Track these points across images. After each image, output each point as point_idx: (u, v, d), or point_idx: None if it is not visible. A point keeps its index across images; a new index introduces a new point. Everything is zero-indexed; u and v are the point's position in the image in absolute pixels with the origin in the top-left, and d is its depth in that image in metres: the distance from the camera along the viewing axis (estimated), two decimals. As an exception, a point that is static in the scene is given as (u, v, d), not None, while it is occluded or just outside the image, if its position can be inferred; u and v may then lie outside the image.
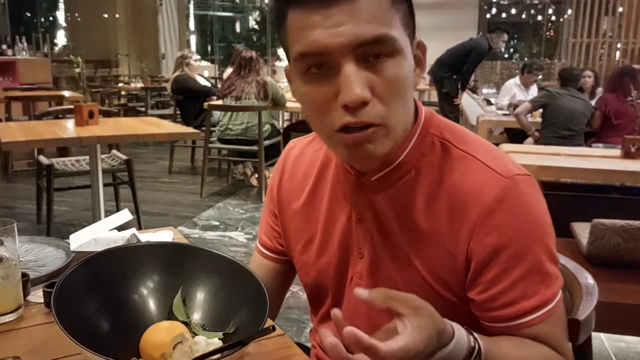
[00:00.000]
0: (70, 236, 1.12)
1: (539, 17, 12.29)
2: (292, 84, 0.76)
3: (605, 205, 2.18)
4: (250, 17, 15.60)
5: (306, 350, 0.98)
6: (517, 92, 5.59)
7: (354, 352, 0.60)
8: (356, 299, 0.65)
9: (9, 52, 7.59)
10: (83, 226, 1.17)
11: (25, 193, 4.46)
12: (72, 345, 0.64)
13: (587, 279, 0.91)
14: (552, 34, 11.82)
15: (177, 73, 5.35)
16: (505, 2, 12.21)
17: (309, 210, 0.87)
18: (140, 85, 7.97)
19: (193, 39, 12.81)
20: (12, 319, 0.85)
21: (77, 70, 3.05)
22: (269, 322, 0.74)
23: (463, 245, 0.73)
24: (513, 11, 12.55)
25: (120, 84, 8.83)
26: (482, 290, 0.73)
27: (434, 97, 6.73)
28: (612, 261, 1.73)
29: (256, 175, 4.73)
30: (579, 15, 8.59)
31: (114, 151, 3.60)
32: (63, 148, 4.42)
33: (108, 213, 1.66)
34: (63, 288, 0.72)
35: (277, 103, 4.53)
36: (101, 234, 1.11)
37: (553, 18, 11.82)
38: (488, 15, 10.36)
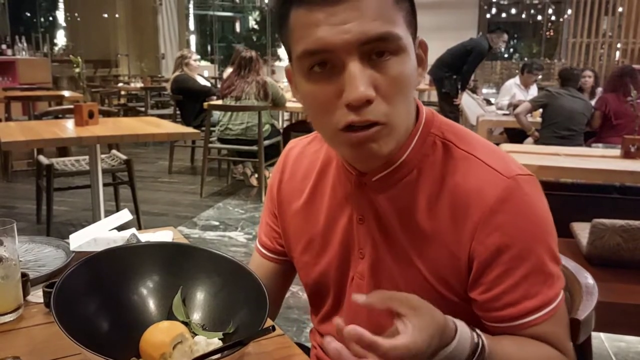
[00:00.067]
0: (70, 236, 1.12)
1: (539, 17, 12.30)
2: (294, 83, 0.76)
3: (605, 205, 2.18)
4: (250, 17, 15.60)
5: (306, 350, 0.98)
6: (517, 92, 5.59)
7: (358, 353, 0.60)
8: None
9: (9, 52, 7.59)
10: (83, 226, 1.17)
11: (25, 193, 4.45)
12: (72, 345, 0.64)
13: (587, 278, 0.91)
14: (552, 34, 11.83)
15: (177, 73, 5.35)
16: (505, 2, 12.22)
17: (310, 210, 0.87)
18: (140, 85, 7.97)
19: (193, 39, 12.81)
20: (11, 319, 0.85)
21: (77, 70, 3.05)
22: (268, 322, 0.74)
23: (465, 245, 0.73)
24: (513, 11, 12.55)
25: (120, 84, 8.84)
26: (485, 291, 0.73)
27: (434, 97, 6.73)
28: (612, 261, 1.73)
29: (256, 175, 4.73)
30: (578, 15, 8.59)
31: (114, 151, 3.60)
32: (63, 148, 4.42)
33: (108, 213, 1.66)
34: (63, 288, 0.72)
35: (277, 103, 4.53)
36: (101, 234, 1.11)
37: (553, 18, 11.83)
38: (488, 15, 10.37)
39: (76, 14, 11.61)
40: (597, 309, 0.85)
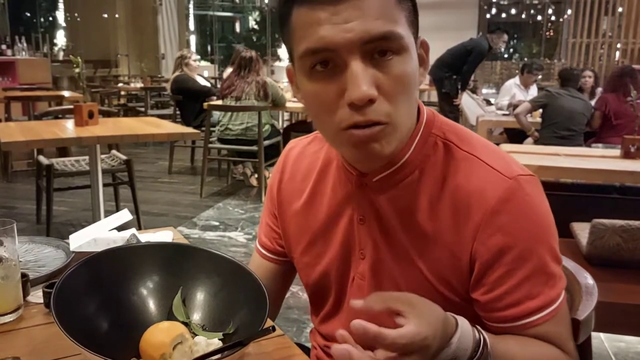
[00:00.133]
0: (70, 236, 1.12)
1: (539, 17, 12.29)
2: (295, 83, 0.75)
3: (605, 205, 2.18)
4: (250, 17, 15.60)
5: (306, 350, 0.98)
6: (516, 92, 5.59)
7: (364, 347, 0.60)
8: (358, 299, 0.65)
9: (9, 52, 7.59)
10: (83, 226, 1.17)
11: (25, 193, 4.46)
12: (72, 346, 0.64)
13: (587, 279, 0.91)
14: (551, 34, 11.83)
15: (177, 73, 5.36)
16: (505, 2, 12.22)
17: (310, 210, 0.87)
18: (140, 85, 7.97)
19: (193, 39, 12.81)
20: (11, 319, 0.85)
21: (77, 70, 3.05)
22: (268, 323, 0.74)
23: (467, 246, 0.73)
24: (513, 11, 12.55)
25: (120, 84, 8.84)
26: (487, 291, 0.73)
27: (434, 97, 6.73)
28: (611, 261, 1.73)
29: (256, 176, 4.73)
30: (578, 15, 8.59)
31: (114, 151, 3.60)
32: (63, 148, 4.42)
33: (108, 213, 1.66)
34: (63, 288, 0.72)
35: (277, 103, 4.53)
36: (101, 234, 1.11)
37: (553, 18, 11.82)
38: (488, 15, 10.36)
39: (76, 14, 11.61)
40: (597, 309, 0.85)
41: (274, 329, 0.71)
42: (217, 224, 3.79)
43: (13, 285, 0.85)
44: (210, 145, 4.48)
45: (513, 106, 4.84)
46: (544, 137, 4.16)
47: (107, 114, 3.76)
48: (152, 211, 4.05)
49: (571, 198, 2.21)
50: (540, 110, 4.27)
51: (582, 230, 1.86)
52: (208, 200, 4.41)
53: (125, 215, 1.19)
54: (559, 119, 4.08)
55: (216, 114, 4.59)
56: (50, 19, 12.11)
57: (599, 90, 5.00)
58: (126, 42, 11.44)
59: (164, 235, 1.19)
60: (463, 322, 0.66)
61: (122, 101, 8.06)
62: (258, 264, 0.97)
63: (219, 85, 5.58)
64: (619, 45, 8.43)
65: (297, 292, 2.60)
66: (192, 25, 12.83)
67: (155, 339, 0.72)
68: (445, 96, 5.90)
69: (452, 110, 5.80)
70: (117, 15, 11.49)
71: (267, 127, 4.40)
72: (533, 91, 5.59)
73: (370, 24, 0.64)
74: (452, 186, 0.74)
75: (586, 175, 2.44)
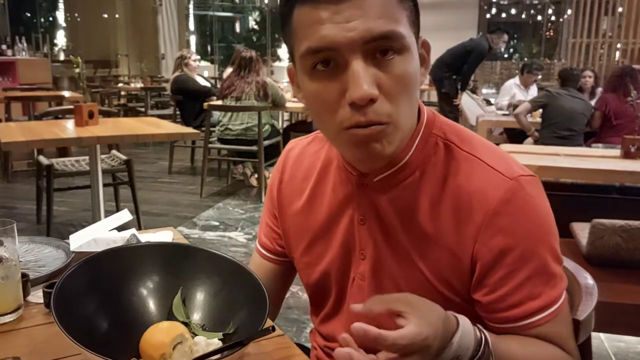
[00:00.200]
0: (70, 236, 1.12)
1: (539, 17, 12.30)
2: (296, 83, 0.75)
3: (605, 205, 2.18)
4: (250, 17, 15.60)
5: (306, 350, 0.98)
6: (516, 92, 5.59)
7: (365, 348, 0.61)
8: (358, 299, 0.65)
9: (9, 52, 7.59)
10: (83, 226, 1.17)
11: (25, 193, 4.46)
12: (72, 346, 0.64)
13: (587, 279, 0.91)
14: (551, 34, 11.83)
15: (177, 73, 5.36)
16: (505, 2, 12.22)
17: (310, 211, 0.87)
18: (140, 85, 7.97)
19: (193, 39, 12.81)
20: (12, 319, 0.85)
21: (77, 70, 3.05)
22: (268, 323, 0.74)
23: (468, 247, 0.73)
24: (513, 11, 12.56)
25: (120, 84, 8.84)
26: (488, 292, 0.73)
27: (434, 97, 6.73)
28: (611, 261, 1.73)
29: (256, 176, 4.73)
30: (578, 16, 8.59)
31: (114, 151, 3.60)
32: (63, 148, 4.42)
33: (108, 213, 1.66)
34: (63, 288, 0.72)
35: (277, 104, 4.54)
36: (101, 234, 1.11)
37: (553, 18, 11.83)
38: (488, 15, 10.36)
39: (76, 14, 11.61)
40: (596, 309, 0.85)
41: (273, 329, 0.71)
42: (217, 224, 3.79)
43: (13, 285, 0.85)
44: (210, 145, 4.48)
45: (513, 106, 4.84)
46: (544, 137, 4.16)
47: (107, 114, 3.76)
48: (152, 211, 4.05)
49: (571, 198, 2.21)
50: (540, 110, 4.27)
51: (582, 230, 1.86)
52: (208, 200, 4.41)
53: (125, 216, 1.19)
54: (559, 119, 4.09)
55: (216, 114, 4.59)
56: (50, 19, 12.11)
57: (599, 90, 5.00)
58: (126, 42, 11.44)
59: (164, 235, 1.19)
60: (464, 321, 0.66)
61: (122, 101, 8.06)
62: (258, 264, 0.97)
63: (219, 86, 5.59)
64: (619, 45, 8.43)
65: (297, 292, 2.60)
66: (192, 26, 12.83)
67: (155, 339, 0.73)
68: (445, 96, 5.90)
69: (452, 110, 5.80)
70: (117, 16, 11.49)
71: (267, 127, 4.40)
72: (533, 91, 5.59)
73: (372, 23, 0.64)
74: (453, 187, 0.74)
75: (586, 175, 2.44)
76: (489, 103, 6.26)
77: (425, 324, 0.60)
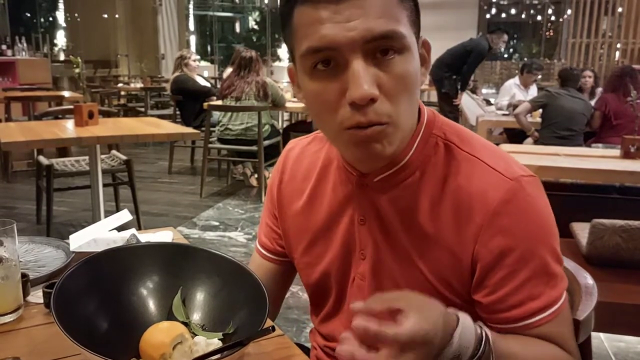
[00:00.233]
0: (70, 236, 1.12)
1: (539, 17, 12.30)
2: (297, 82, 0.75)
3: (605, 205, 2.18)
4: (250, 18, 15.59)
5: (306, 350, 0.98)
6: (516, 92, 5.60)
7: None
8: (358, 299, 0.65)
9: (9, 52, 7.59)
10: (83, 226, 1.17)
11: (25, 193, 4.46)
12: (72, 346, 0.64)
13: (587, 279, 0.91)
14: (551, 34, 11.83)
15: (177, 74, 5.36)
16: (505, 2, 12.22)
17: (310, 211, 0.87)
18: (139, 85, 7.98)
19: (193, 39, 12.81)
20: (11, 319, 0.85)
21: (77, 70, 3.05)
22: (268, 323, 0.74)
23: (468, 247, 0.73)
24: (513, 11, 12.56)
25: (120, 84, 8.84)
26: (489, 293, 0.73)
27: (434, 97, 6.73)
28: (611, 261, 1.73)
29: (256, 176, 4.73)
30: (578, 16, 8.59)
31: (114, 151, 3.60)
32: (63, 148, 4.42)
33: (108, 213, 1.66)
34: (63, 288, 0.72)
35: (277, 104, 4.54)
36: (101, 234, 1.11)
37: (553, 18, 11.83)
38: (488, 15, 10.37)
39: (76, 14, 11.61)
40: (596, 309, 0.85)
41: (273, 329, 0.71)
42: (217, 224, 3.79)
43: (13, 285, 0.85)
44: (210, 145, 4.48)
45: (513, 106, 4.85)
46: (544, 137, 4.16)
47: (107, 114, 3.76)
48: (152, 211, 4.05)
49: (571, 198, 2.21)
50: (540, 110, 4.27)
51: (582, 230, 1.86)
52: (208, 200, 4.41)
53: (125, 216, 1.19)
54: (558, 119, 4.09)
55: (216, 114, 4.59)
56: (50, 19, 12.11)
57: (599, 90, 5.00)
58: (126, 42, 11.44)
59: (163, 236, 1.19)
60: (464, 318, 0.65)
61: (122, 101, 8.06)
62: (258, 264, 0.97)
63: (218, 86, 5.59)
64: (618, 45, 8.43)
65: (297, 292, 2.60)
66: (192, 26, 12.83)
67: (155, 339, 0.73)
68: (445, 96, 5.90)
69: (452, 111, 5.80)
70: (117, 16, 11.49)
71: (267, 127, 4.40)
72: (533, 91, 5.59)
73: (372, 22, 0.64)
74: (453, 187, 0.74)
75: (586, 176, 2.44)
76: (488, 103, 6.27)
77: (425, 319, 0.60)
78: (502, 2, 12.12)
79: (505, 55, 12.49)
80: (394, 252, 0.78)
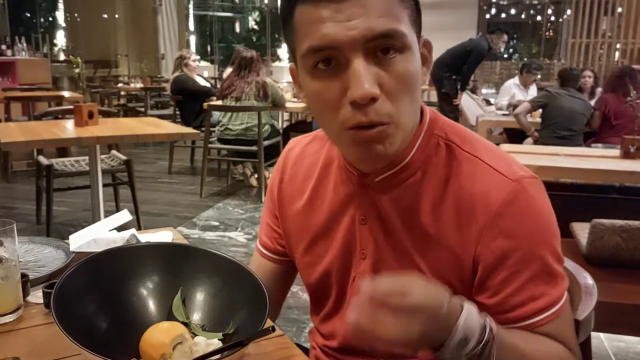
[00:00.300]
0: (70, 237, 1.12)
1: (539, 18, 12.30)
2: (298, 82, 0.75)
3: (605, 205, 2.18)
4: (250, 18, 15.59)
5: (305, 350, 0.98)
6: (516, 92, 5.60)
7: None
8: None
9: (9, 52, 7.59)
10: (83, 226, 1.17)
11: (25, 193, 4.45)
12: (72, 346, 0.64)
13: (587, 279, 0.91)
14: (551, 34, 11.83)
15: (177, 74, 5.36)
16: (505, 2, 12.22)
17: (311, 210, 0.87)
18: (139, 85, 7.97)
19: (193, 39, 12.81)
20: (11, 319, 0.85)
21: (77, 70, 3.05)
22: (268, 323, 0.74)
23: (470, 248, 0.73)
24: (512, 11, 12.55)
25: (120, 85, 8.83)
26: (491, 295, 0.73)
27: (434, 97, 6.73)
28: (611, 261, 1.73)
29: (256, 176, 4.73)
30: (578, 16, 8.59)
31: (114, 151, 3.60)
32: (62, 148, 4.42)
33: (108, 213, 1.66)
34: (63, 289, 0.72)
35: (277, 104, 4.54)
36: (101, 234, 1.11)
37: (552, 18, 11.82)
38: (488, 16, 10.37)
39: (76, 14, 11.61)
40: (596, 309, 0.85)
41: (273, 329, 0.71)
42: (217, 224, 3.79)
43: (13, 285, 0.85)
44: (210, 145, 4.48)
45: (513, 106, 4.85)
46: (544, 137, 4.16)
47: (107, 114, 3.76)
48: (152, 211, 4.05)
49: (571, 198, 2.21)
50: (540, 110, 4.27)
51: (581, 230, 1.86)
52: (208, 200, 4.41)
53: (125, 216, 1.19)
54: (558, 119, 4.09)
55: (216, 114, 4.60)
56: (50, 19, 12.10)
57: (599, 90, 5.00)
58: (126, 42, 11.44)
59: (163, 236, 1.19)
60: (469, 305, 0.65)
61: (122, 101, 8.06)
62: (259, 263, 0.97)
63: (218, 86, 5.59)
64: (618, 46, 8.43)
65: (297, 292, 2.60)
66: (192, 26, 12.83)
67: (155, 339, 0.73)
68: (445, 96, 5.91)
69: (452, 110, 5.80)
70: (117, 16, 11.49)
71: (267, 127, 4.40)
72: (532, 91, 5.59)
73: (374, 21, 0.64)
74: (454, 188, 0.74)
75: (586, 176, 2.44)
76: (488, 103, 6.27)
77: (432, 291, 0.61)
78: (502, 2, 12.13)
79: (505, 55, 12.49)
80: (395, 252, 0.78)
